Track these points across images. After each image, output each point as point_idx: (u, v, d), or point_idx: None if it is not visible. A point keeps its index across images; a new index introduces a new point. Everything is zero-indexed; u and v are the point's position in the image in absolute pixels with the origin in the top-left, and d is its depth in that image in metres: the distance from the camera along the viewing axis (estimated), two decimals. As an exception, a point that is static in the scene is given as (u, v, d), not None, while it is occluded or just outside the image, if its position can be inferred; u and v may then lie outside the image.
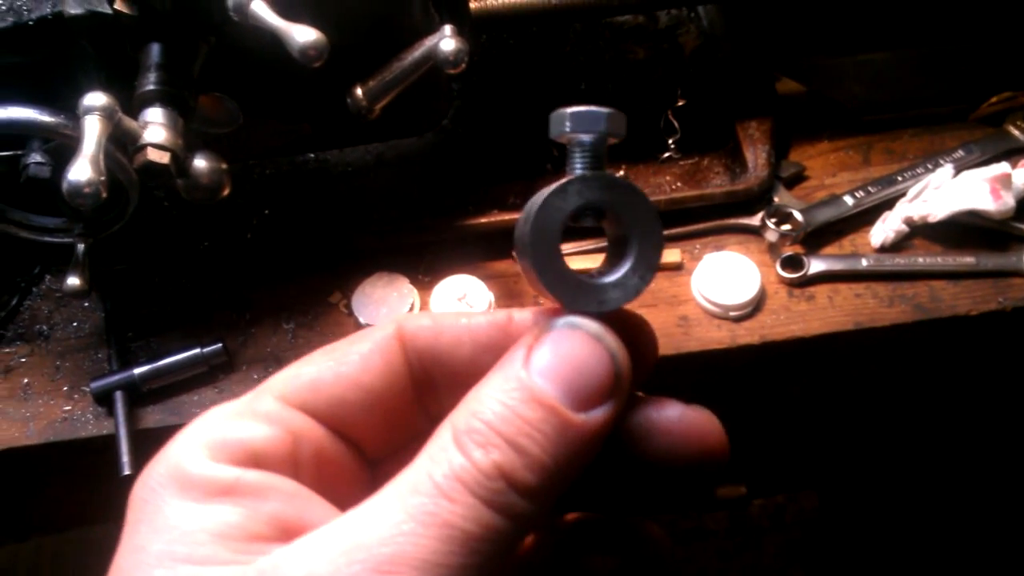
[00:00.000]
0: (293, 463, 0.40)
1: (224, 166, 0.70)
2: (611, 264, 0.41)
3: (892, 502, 1.78)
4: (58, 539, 1.47)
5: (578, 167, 0.40)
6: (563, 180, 0.39)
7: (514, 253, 0.40)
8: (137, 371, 0.87)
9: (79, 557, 1.47)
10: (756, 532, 1.75)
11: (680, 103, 0.97)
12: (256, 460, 0.38)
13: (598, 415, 0.36)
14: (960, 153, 0.97)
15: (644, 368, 0.41)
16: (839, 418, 1.19)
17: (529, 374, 0.36)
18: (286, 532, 0.36)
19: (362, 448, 0.43)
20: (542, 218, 0.39)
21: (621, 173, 0.98)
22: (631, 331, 0.40)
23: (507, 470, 0.34)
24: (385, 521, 0.33)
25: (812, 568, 1.79)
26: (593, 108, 0.40)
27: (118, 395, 0.87)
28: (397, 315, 0.45)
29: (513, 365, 0.37)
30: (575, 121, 0.40)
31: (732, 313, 0.90)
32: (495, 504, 0.34)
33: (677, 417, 0.40)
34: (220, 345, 0.89)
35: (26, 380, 0.91)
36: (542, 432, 0.35)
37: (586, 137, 0.40)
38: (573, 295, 0.39)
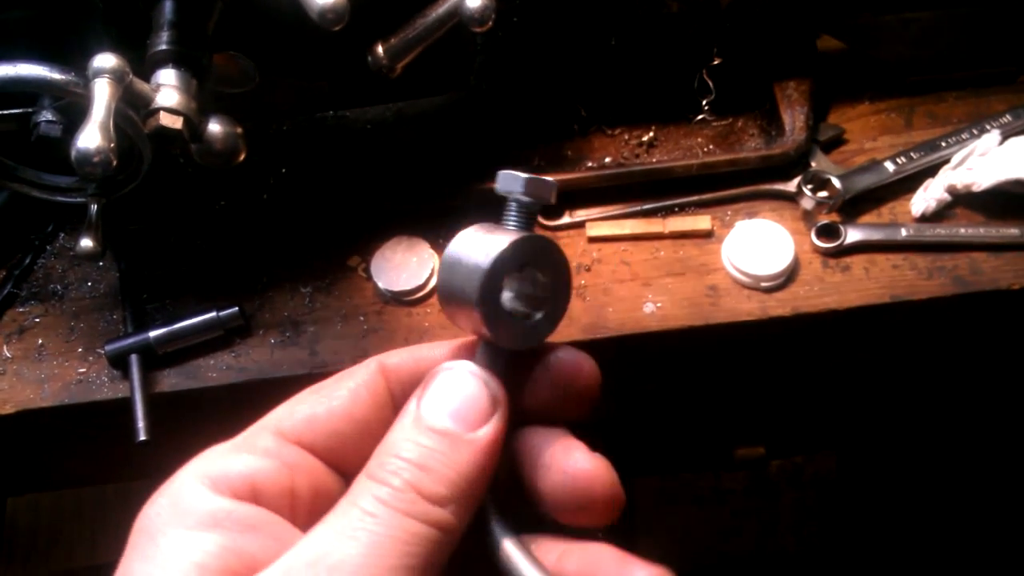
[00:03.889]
0: (290, 495, 0.43)
1: (239, 130, 0.67)
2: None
3: (911, 466, 1.76)
4: (77, 492, 1.48)
5: (510, 222, 0.47)
6: (515, 238, 0.45)
7: (441, 297, 0.47)
8: (152, 334, 0.86)
9: (98, 511, 1.48)
10: (773, 492, 1.74)
11: (715, 62, 0.93)
12: (255, 493, 0.41)
13: (486, 431, 0.42)
14: (1007, 118, 0.92)
15: (582, 402, 0.47)
16: (862, 381, 1.17)
17: (422, 412, 0.42)
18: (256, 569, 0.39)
19: (346, 473, 0.46)
20: (493, 269, 0.44)
21: (651, 135, 0.94)
22: (567, 369, 0.47)
23: (417, 485, 0.40)
24: (319, 548, 0.38)
25: (827, 526, 1.79)
26: (515, 172, 0.46)
27: (133, 358, 0.86)
28: (380, 356, 0.48)
29: (408, 412, 0.43)
30: (501, 181, 0.47)
31: (763, 283, 0.87)
32: (414, 513, 0.39)
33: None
34: (236, 309, 0.87)
35: (40, 341, 0.90)
36: (442, 452, 0.41)
37: (523, 198, 0.46)
38: (512, 337, 0.45)
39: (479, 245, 0.45)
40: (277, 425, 0.44)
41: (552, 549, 0.45)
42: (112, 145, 0.58)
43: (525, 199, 0.46)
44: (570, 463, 0.44)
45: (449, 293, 0.45)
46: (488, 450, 0.42)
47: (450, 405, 0.43)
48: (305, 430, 0.44)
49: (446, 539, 0.40)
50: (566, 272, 0.47)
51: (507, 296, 0.47)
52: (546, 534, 0.46)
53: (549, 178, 0.47)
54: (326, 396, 0.45)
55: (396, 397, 0.46)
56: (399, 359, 0.47)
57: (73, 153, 0.58)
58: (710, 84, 0.94)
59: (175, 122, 0.61)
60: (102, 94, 0.59)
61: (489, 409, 0.43)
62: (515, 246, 0.45)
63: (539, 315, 0.47)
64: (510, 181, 0.46)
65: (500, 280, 0.45)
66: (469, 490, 0.41)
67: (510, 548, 0.44)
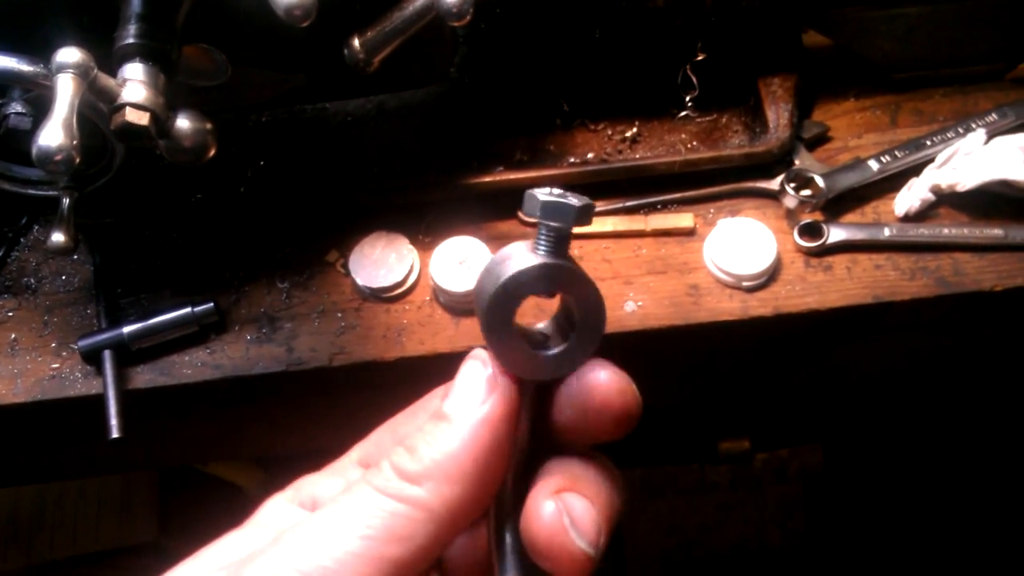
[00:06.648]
0: None
1: (209, 126, 0.66)
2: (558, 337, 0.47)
3: (897, 460, 1.76)
4: (59, 484, 1.47)
5: (540, 246, 0.44)
6: (533, 263, 0.44)
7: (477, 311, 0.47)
8: (126, 330, 0.85)
9: (80, 501, 1.47)
10: (758, 485, 1.74)
11: (700, 57, 0.91)
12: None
13: (474, 411, 0.44)
14: (993, 117, 0.91)
15: (603, 421, 0.46)
16: (848, 376, 1.16)
17: (432, 402, 0.49)
18: None
19: None
20: (503, 292, 0.44)
21: (634, 130, 0.93)
22: (584, 387, 0.46)
23: (397, 465, 0.43)
24: (314, 531, 0.42)
25: (813, 519, 1.79)
26: (566, 200, 0.43)
27: (107, 354, 0.84)
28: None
29: None
30: (544, 210, 0.43)
31: (745, 283, 0.86)
32: (388, 492, 0.42)
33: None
34: (211, 304, 0.86)
35: (13, 335, 0.88)
36: (429, 432, 0.44)
37: (555, 223, 0.43)
38: (520, 364, 0.45)
39: (498, 269, 0.45)
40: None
41: None
42: (75, 142, 0.57)
43: (550, 223, 0.43)
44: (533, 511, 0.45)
45: (477, 311, 0.46)
46: (476, 429, 0.44)
47: (451, 389, 0.45)
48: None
49: (421, 516, 0.42)
50: (595, 302, 0.45)
51: (522, 324, 0.46)
52: None
53: (575, 200, 0.43)
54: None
55: None
56: None
57: (34, 151, 0.57)
58: (694, 80, 0.93)
59: (141, 118, 0.60)
60: (65, 90, 0.57)
61: (484, 393, 0.45)
62: (523, 274, 0.43)
63: (563, 346, 0.45)
64: (532, 203, 0.44)
65: (507, 309, 0.44)
66: (452, 468, 0.43)
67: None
